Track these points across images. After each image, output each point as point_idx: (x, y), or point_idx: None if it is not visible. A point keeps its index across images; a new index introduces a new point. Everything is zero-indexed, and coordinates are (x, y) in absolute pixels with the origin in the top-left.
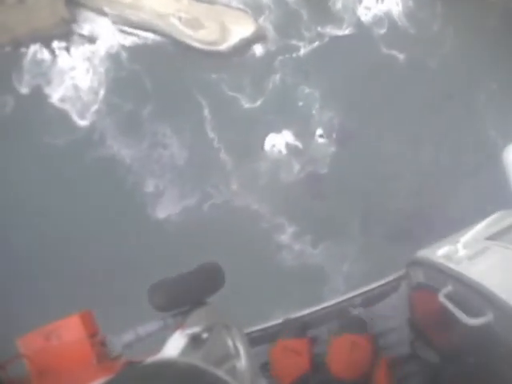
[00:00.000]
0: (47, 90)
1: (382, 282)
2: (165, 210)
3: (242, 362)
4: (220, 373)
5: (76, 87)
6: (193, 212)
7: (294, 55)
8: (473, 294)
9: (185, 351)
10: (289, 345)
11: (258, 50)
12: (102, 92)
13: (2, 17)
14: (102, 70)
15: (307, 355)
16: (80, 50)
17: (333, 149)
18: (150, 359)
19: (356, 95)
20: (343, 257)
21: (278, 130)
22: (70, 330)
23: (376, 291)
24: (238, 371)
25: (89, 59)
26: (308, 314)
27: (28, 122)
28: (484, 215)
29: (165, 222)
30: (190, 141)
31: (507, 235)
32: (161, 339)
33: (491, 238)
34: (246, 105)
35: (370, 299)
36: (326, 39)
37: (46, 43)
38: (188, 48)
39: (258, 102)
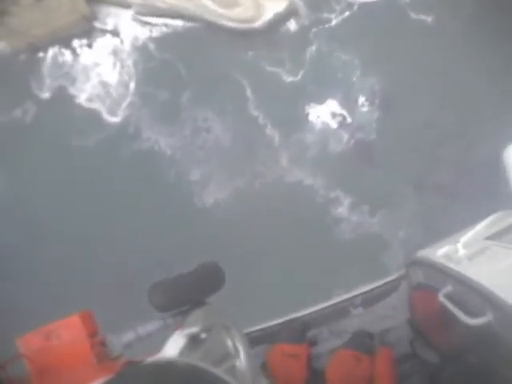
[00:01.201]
0: (72, 91)
1: (382, 282)
2: (213, 196)
3: (242, 362)
4: (219, 372)
5: (103, 84)
6: (243, 194)
7: (327, 26)
8: (473, 294)
9: (184, 351)
10: (286, 349)
11: (292, 25)
12: (132, 85)
13: (17, 20)
14: (129, 63)
15: (305, 360)
16: (103, 46)
17: (377, 115)
18: (150, 359)
19: (392, 61)
20: (400, 223)
21: (322, 101)
22: (70, 330)
23: (376, 291)
24: (238, 370)
25: (114, 54)
26: (308, 314)
27: (53, 126)
28: (484, 215)
29: (214, 209)
30: (234, 121)
31: (507, 235)
32: (161, 339)
33: (491, 237)
34: (288, 79)
35: (370, 299)
36: (356, 8)
37: (66, 44)
38: (220, 29)
39: (299, 75)
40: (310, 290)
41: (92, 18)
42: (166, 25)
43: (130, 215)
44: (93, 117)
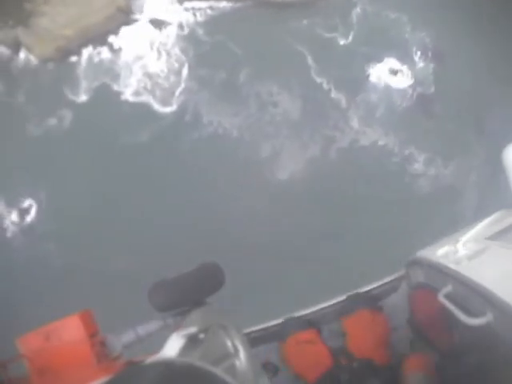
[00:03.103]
0: (116, 88)
1: (382, 281)
2: (287, 170)
3: (242, 361)
4: (218, 371)
5: (150, 75)
6: (319, 163)
7: None
8: (473, 294)
9: (183, 351)
10: (300, 338)
11: None
12: (184, 71)
13: (47, 21)
14: (176, 50)
15: (321, 343)
16: (143, 38)
17: (432, 67)
18: (150, 359)
19: (439, 12)
20: (470, 170)
21: (380, 60)
22: (70, 330)
23: (376, 291)
24: (238, 369)
25: (156, 44)
26: (309, 314)
27: (96, 127)
28: (484, 215)
29: (290, 183)
30: (300, 91)
31: (507, 235)
32: (161, 339)
33: (491, 237)
34: (342, 42)
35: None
36: None
37: (101, 41)
38: (267, 5)
39: (350, 37)
40: (396, 252)
41: (128, 9)
42: (210, 7)
43: (193, 212)
44: (142, 110)
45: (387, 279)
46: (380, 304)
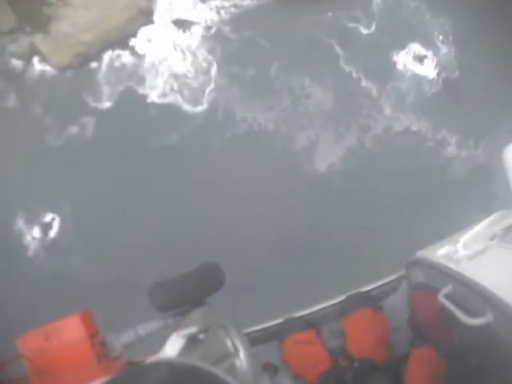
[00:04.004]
0: (141, 91)
1: (382, 282)
2: (324, 161)
3: (242, 361)
4: (218, 371)
5: (176, 76)
6: (356, 152)
7: None
8: (473, 294)
9: (183, 352)
10: (298, 338)
11: None
12: (213, 70)
13: (66, 25)
14: (203, 50)
15: (320, 344)
16: (166, 39)
17: (454, 51)
18: (150, 359)
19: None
20: (500, 147)
21: (403, 47)
22: (69, 330)
23: (376, 291)
24: (238, 369)
25: (182, 45)
26: (308, 314)
27: (121, 133)
28: (484, 215)
29: (328, 175)
30: (331, 81)
31: (507, 235)
32: (161, 339)
33: (491, 237)
34: (365, 31)
35: None
36: None
37: (122, 45)
38: (290, 0)
39: (373, 27)
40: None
41: (149, 10)
42: (234, 6)
43: (230, 212)
44: (171, 111)
45: (387, 279)
46: (380, 304)
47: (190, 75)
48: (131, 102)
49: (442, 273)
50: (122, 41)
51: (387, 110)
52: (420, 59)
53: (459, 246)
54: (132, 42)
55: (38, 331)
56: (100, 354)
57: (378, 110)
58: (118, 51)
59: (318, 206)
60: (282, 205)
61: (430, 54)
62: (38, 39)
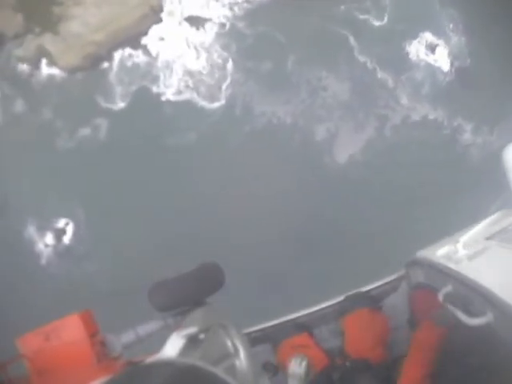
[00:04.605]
0: (155, 90)
1: (382, 282)
2: (345, 153)
3: (242, 361)
4: (218, 371)
5: (191, 73)
6: (376, 142)
7: None
8: (473, 294)
9: (183, 351)
10: (293, 342)
11: None
12: (229, 66)
13: (76, 25)
14: (218, 46)
15: (316, 346)
16: (179, 37)
17: (464, 40)
18: (150, 359)
19: None
20: None
21: (415, 36)
22: (69, 330)
23: (375, 291)
24: (238, 369)
25: (196, 42)
26: (307, 314)
27: (137, 133)
28: (484, 215)
29: (349, 166)
30: (346, 72)
31: (507, 235)
32: (161, 339)
33: (491, 237)
34: (377, 23)
35: None
36: None
37: (134, 44)
38: None
39: (385, 18)
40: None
41: (161, 8)
42: (247, 1)
43: (253, 208)
44: (187, 109)
45: (387, 279)
46: (380, 304)
47: (205, 72)
48: (145, 101)
49: (442, 273)
50: (133, 39)
51: (404, 100)
52: (432, 48)
53: (459, 245)
54: (144, 40)
55: (38, 331)
56: (100, 353)
57: (395, 100)
58: (129, 50)
59: (335, 199)
60: (300, 199)
61: (441, 42)
62: (47, 40)
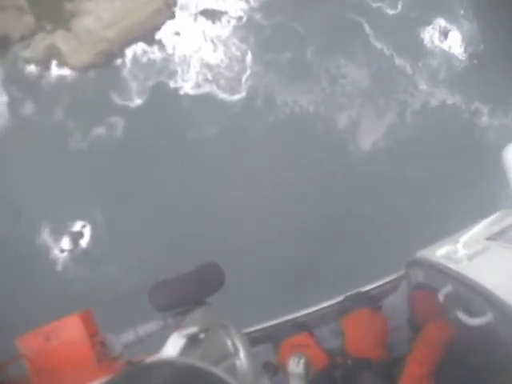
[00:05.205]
0: (173, 84)
1: (382, 281)
2: (368, 140)
3: (242, 361)
4: (219, 371)
5: (209, 67)
6: (398, 128)
7: None
8: (473, 294)
9: (183, 351)
10: (294, 342)
11: None
12: (248, 57)
13: (89, 20)
14: (235, 38)
15: (316, 346)
16: (196, 30)
17: (476, 25)
18: (150, 359)
19: None
20: None
21: (428, 23)
22: (70, 330)
23: (375, 291)
24: (239, 369)
25: (213, 35)
26: (307, 314)
27: (156, 130)
28: (484, 215)
29: (374, 153)
30: (364, 59)
31: (507, 235)
32: (161, 339)
33: (491, 237)
34: (391, 12)
35: None
36: None
37: (148, 40)
38: None
39: (399, 6)
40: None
41: (173, 2)
42: None
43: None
44: (207, 102)
45: (387, 279)
46: (379, 304)
47: (223, 65)
48: (163, 96)
49: (442, 273)
50: (147, 35)
51: (423, 86)
52: (445, 34)
53: (459, 245)
54: (158, 35)
55: (38, 331)
56: (100, 353)
57: (414, 86)
58: (143, 46)
59: (357, 190)
60: (323, 189)
61: (454, 28)
62: (59, 37)
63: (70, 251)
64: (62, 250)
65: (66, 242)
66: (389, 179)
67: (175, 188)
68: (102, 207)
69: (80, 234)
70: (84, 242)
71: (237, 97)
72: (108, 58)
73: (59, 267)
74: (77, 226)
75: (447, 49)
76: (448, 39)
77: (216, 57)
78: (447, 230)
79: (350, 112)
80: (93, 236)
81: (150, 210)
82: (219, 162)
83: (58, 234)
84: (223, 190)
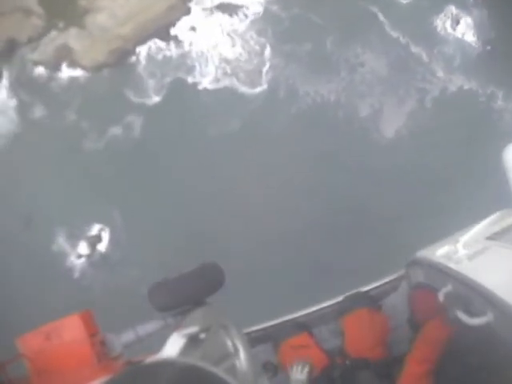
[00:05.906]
0: (191, 80)
1: (382, 281)
2: (391, 128)
3: (242, 361)
4: (219, 371)
5: (228, 61)
6: (418, 114)
7: None
8: (473, 294)
9: (183, 351)
10: (294, 342)
11: None
12: (267, 50)
13: (104, 18)
14: (253, 31)
15: (316, 346)
16: (213, 24)
17: (486, 13)
18: (150, 359)
19: None
20: None
21: (440, 10)
22: (70, 330)
23: (375, 291)
24: (239, 369)
25: (230, 29)
26: (307, 314)
27: (175, 127)
28: (484, 215)
29: (397, 141)
30: (381, 48)
31: (507, 235)
32: (161, 339)
33: (491, 237)
34: (403, 1)
35: None
36: None
37: (163, 36)
38: None
39: None
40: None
41: None
42: None
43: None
44: (227, 95)
45: (387, 279)
46: (379, 304)
47: (242, 59)
48: (181, 92)
49: (442, 273)
50: (162, 31)
51: (440, 73)
52: (457, 21)
53: (459, 245)
54: (173, 31)
55: (38, 331)
56: (100, 353)
57: (431, 73)
58: (159, 42)
59: (371, 182)
60: (342, 183)
61: (465, 15)
62: (72, 35)
63: (88, 256)
64: (79, 256)
65: (83, 247)
66: (404, 171)
67: (195, 187)
68: (121, 209)
69: (98, 238)
70: (102, 246)
71: (258, 89)
72: (122, 56)
73: (76, 274)
74: (94, 230)
75: (460, 36)
76: (460, 26)
77: (234, 51)
78: (460, 224)
79: (371, 100)
80: (111, 239)
81: (169, 211)
82: (241, 158)
83: (74, 239)
84: (246, 188)
